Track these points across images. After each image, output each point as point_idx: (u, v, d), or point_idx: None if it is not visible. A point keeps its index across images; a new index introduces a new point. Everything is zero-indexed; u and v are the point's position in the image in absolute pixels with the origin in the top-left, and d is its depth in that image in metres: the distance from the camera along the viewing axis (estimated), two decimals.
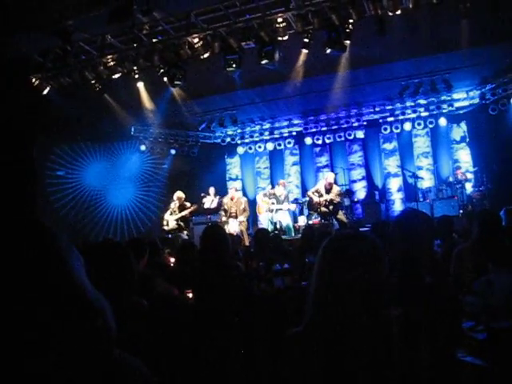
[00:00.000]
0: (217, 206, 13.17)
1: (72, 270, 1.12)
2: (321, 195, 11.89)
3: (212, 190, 13.66)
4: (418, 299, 2.19)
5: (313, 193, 12.14)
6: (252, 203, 14.50)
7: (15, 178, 9.99)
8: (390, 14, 8.62)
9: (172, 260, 6.45)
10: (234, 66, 9.85)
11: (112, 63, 10.46)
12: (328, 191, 11.87)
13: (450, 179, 13.73)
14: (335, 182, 12.95)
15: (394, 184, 15.67)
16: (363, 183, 16.08)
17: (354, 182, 16.11)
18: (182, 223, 11.92)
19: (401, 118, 15.36)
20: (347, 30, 9.06)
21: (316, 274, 1.91)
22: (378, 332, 1.78)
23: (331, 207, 11.74)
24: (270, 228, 11.94)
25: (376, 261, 1.86)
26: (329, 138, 16.21)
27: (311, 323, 1.86)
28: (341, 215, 11.91)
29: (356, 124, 15.92)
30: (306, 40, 9.41)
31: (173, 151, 16.63)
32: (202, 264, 4.19)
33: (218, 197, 13.35)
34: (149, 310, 3.19)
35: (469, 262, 3.77)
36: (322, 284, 1.88)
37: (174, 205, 12.05)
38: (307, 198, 12.45)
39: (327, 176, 12.60)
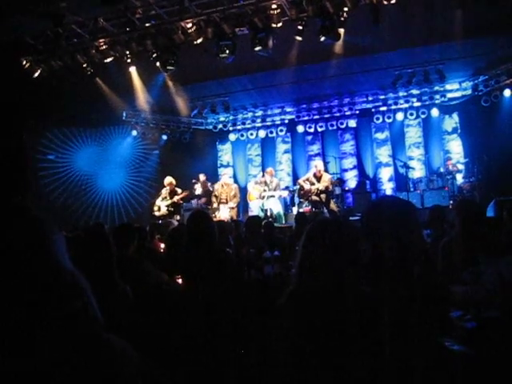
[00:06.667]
0: (202, 193, 13.27)
1: (52, 252, 1.11)
2: (312, 183, 11.86)
3: (202, 176, 13.66)
4: (407, 286, 2.21)
5: (304, 181, 12.09)
6: (243, 190, 14.48)
7: (5, 163, 9.92)
8: (385, 2, 8.60)
9: (162, 246, 6.45)
10: (227, 52, 9.79)
11: (104, 47, 10.37)
12: (318, 179, 11.84)
13: (441, 170, 13.78)
14: (326, 171, 12.93)
15: (385, 174, 15.70)
16: (354, 172, 16.09)
17: (346, 170, 16.11)
18: (172, 209, 11.90)
19: (393, 107, 15.38)
20: (341, 19, 9.03)
21: (298, 255, 2.29)
22: (350, 306, 2.04)
23: (323, 196, 11.72)
24: (261, 215, 11.92)
25: (345, 244, 2.18)
26: (321, 127, 16.20)
27: (293, 295, 2.24)
28: (333, 205, 11.90)
29: (348, 113, 15.90)
30: (300, 27, 9.36)
31: (164, 137, 16.58)
32: (188, 250, 4.17)
33: (209, 183, 13.35)
34: (138, 296, 3.19)
35: (455, 253, 3.78)
36: (302, 263, 2.23)
37: (166, 191, 12.01)
38: (298, 186, 12.41)
39: (316, 164, 12.59)
